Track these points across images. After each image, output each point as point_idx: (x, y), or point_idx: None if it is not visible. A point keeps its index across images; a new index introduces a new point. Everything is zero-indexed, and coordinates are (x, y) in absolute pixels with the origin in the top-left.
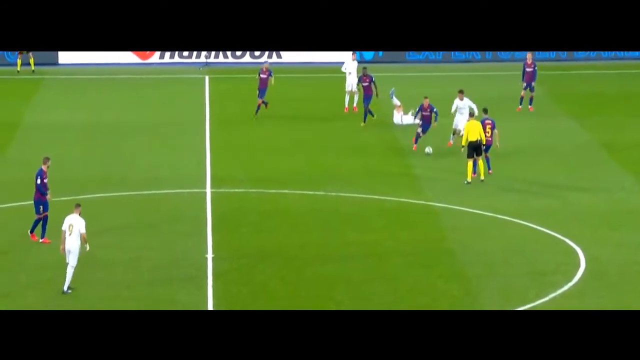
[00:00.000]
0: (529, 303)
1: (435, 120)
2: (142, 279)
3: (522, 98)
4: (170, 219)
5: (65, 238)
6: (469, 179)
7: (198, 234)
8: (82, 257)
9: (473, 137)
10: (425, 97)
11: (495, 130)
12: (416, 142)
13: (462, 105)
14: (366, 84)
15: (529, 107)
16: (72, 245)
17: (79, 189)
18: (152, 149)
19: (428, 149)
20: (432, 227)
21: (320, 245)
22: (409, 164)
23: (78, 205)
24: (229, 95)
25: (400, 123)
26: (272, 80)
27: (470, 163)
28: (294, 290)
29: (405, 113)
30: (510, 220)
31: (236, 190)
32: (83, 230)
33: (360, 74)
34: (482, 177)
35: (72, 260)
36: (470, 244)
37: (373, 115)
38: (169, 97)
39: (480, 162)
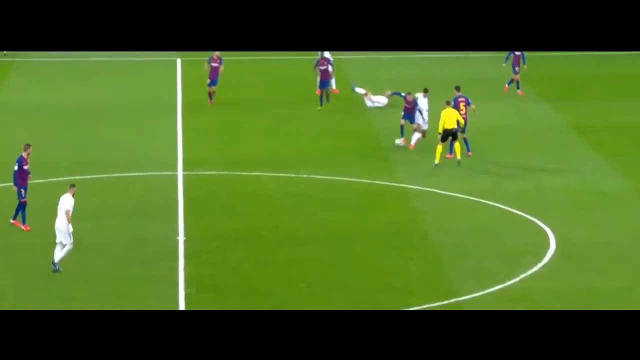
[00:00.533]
0: (499, 284)
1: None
2: (114, 261)
3: (517, 81)
4: (141, 202)
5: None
6: (437, 162)
7: (169, 216)
8: (54, 239)
9: (449, 125)
10: (409, 93)
11: (472, 106)
12: (402, 134)
13: (421, 107)
14: (323, 67)
15: (505, 86)
16: (60, 224)
17: (49, 171)
18: (123, 131)
19: (398, 141)
20: (404, 209)
21: (293, 227)
22: (382, 147)
23: (72, 186)
24: (201, 78)
25: (373, 105)
26: (222, 68)
27: (439, 147)
28: (267, 271)
29: (375, 94)
30: (482, 202)
31: (208, 172)
32: (68, 208)
33: (318, 57)
34: (459, 157)
35: (63, 239)
36: (442, 226)
37: (324, 102)
38: (141, 79)
39: (457, 145)
